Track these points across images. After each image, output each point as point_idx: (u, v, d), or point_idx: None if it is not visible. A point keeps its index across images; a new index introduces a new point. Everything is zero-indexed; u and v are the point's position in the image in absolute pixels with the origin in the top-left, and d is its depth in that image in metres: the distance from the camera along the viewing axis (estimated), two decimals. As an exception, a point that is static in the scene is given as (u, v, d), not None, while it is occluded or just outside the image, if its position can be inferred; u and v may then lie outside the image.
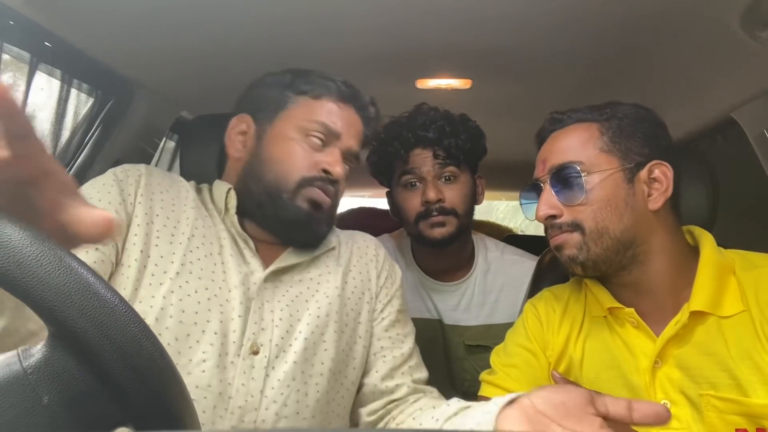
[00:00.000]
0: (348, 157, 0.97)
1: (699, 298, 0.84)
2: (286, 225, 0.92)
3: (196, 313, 0.82)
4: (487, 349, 1.35)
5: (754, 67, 1.18)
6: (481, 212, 1.48)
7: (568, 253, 0.89)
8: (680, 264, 0.88)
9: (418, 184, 1.32)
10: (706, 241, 0.90)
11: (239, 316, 0.84)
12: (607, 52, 1.24)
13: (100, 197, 0.86)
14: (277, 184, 0.91)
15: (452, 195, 1.31)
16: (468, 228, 1.39)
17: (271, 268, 0.90)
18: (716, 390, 0.80)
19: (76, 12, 1.08)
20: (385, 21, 1.12)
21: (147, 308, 0.81)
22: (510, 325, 1.30)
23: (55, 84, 1.27)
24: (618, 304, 0.90)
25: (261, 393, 0.83)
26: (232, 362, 0.83)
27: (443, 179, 1.31)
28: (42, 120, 1.27)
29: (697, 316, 0.84)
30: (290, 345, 0.87)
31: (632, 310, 0.88)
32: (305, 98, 0.95)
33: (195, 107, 1.66)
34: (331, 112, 0.94)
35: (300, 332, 0.88)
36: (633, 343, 0.88)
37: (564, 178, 0.89)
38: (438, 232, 1.31)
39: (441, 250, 1.35)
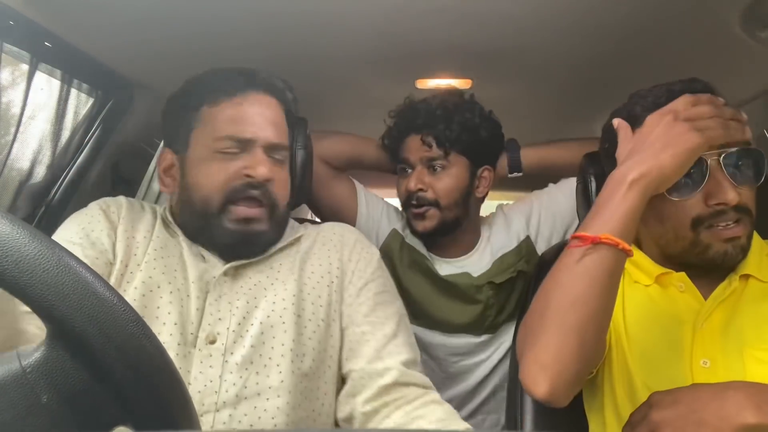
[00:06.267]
0: (273, 149, 0.95)
1: (749, 263, 0.86)
2: (226, 246, 0.94)
3: (158, 307, 0.87)
4: (509, 281, 1.37)
5: (754, 67, 1.18)
6: (481, 212, 1.48)
7: (742, 243, 0.83)
8: None
9: (409, 171, 1.33)
10: None
11: (197, 309, 0.89)
12: (607, 52, 1.23)
13: (92, 227, 0.92)
14: (205, 209, 0.92)
15: (438, 185, 1.29)
16: (459, 220, 1.35)
17: (230, 264, 0.93)
18: (758, 344, 0.81)
19: (76, 12, 1.08)
20: (385, 21, 1.12)
21: None
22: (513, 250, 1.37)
23: (55, 84, 1.27)
24: (667, 270, 0.89)
25: (220, 378, 0.85)
26: (190, 352, 0.86)
27: (431, 168, 1.30)
28: (42, 120, 1.27)
29: (744, 279, 0.86)
30: (247, 331, 0.89)
31: (683, 274, 0.88)
32: (205, 110, 0.94)
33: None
34: (234, 118, 0.92)
35: (256, 318, 0.90)
36: (678, 305, 0.88)
37: (739, 158, 0.82)
38: (420, 225, 1.32)
39: (433, 240, 1.36)
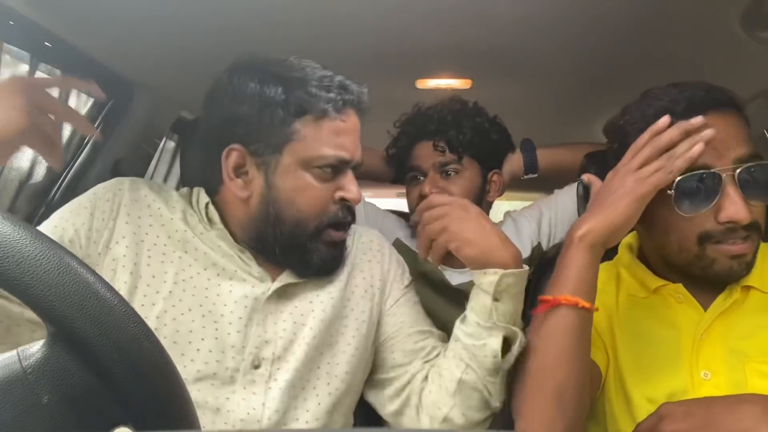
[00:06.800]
0: (358, 167, 0.89)
1: (752, 274, 0.83)
2: (309, 267, 0.87)
3: (191, 331, 0.80)
4: None
5: (754, 67, 1.18)
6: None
7: (748, 260, 0.81)
8: None
9: (421, 178, 1.32)
10: None
11: (238, 331, 0.82)
12: (606, 52, 1.24)
13: (68, 218, 0.82)
14: (296, 230, 0.84)
15: (453, 189, 1.29)
16: None
17: (280, 283, 0.86)
18: (760, 357, 0.80)
19: (76, 12, 1.08)
20: (385, 21, 1.12)
21: None
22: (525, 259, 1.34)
23: (55, 84, 1.27)
24: (665, 282, 0.88)
25: (263, 405, 0.81)
26: (231, 377, 0.81)
27: (445, 173, 1.30)
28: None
29: (745, 290, 0.84)
30: (293, 353, 0.84)
31: (680, 286, 0.86)
32: (309, 120, 0.82)
33: (195, 107, 1.65)
34: (338, 134, 0.83)
35: (304, 338, 0.85)
36: (677, 317, 0.86)
37: (754, 173, 0.78)
38: None
39: None
